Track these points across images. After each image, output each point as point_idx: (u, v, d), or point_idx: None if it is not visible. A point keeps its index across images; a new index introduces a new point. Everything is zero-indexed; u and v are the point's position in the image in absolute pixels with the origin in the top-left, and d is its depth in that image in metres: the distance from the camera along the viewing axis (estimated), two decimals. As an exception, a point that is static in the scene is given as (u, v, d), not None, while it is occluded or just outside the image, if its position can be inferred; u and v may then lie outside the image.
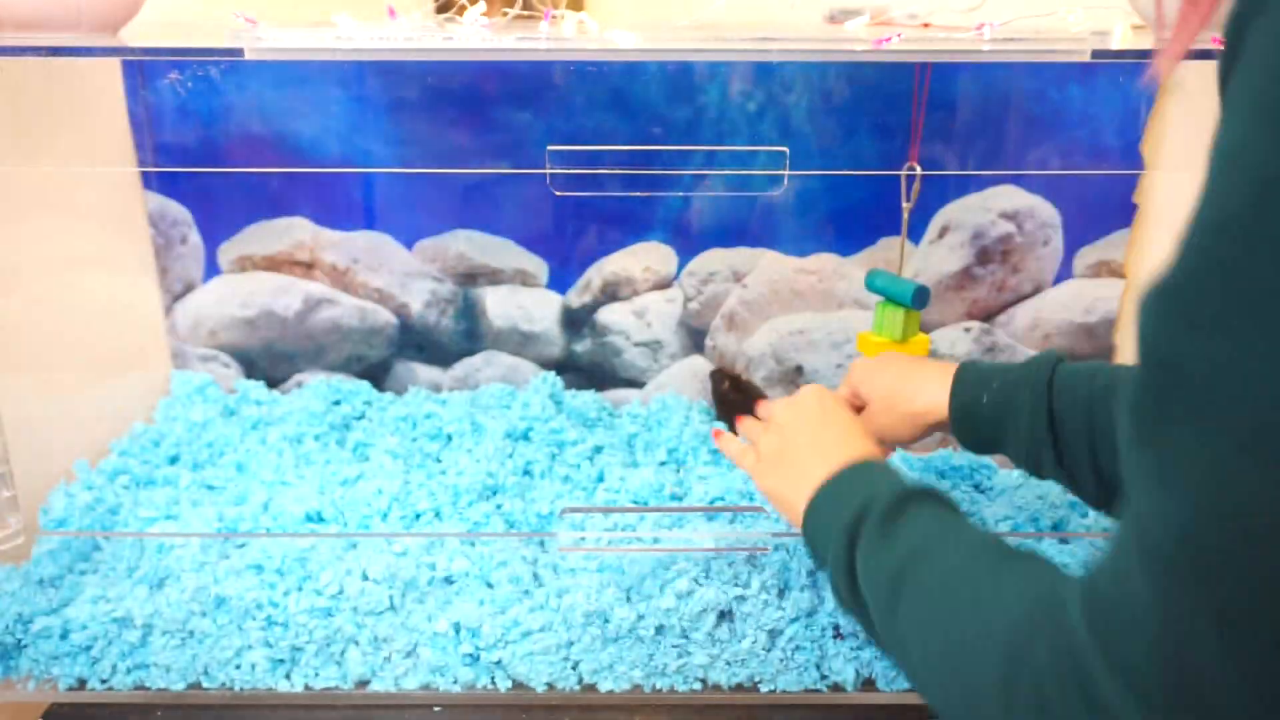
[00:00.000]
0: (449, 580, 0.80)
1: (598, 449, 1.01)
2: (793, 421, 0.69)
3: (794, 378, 1.15)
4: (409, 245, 1.10)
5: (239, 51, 0.71)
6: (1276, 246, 0.29)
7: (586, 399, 1.12)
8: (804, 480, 0.62)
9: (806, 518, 0.61)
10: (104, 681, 0.78)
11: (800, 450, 0.66)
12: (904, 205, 0.95)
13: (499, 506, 0.89)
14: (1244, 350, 0.30)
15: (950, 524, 0.54)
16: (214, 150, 1.06)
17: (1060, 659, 0.38)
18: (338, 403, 1.10)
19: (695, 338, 1.14)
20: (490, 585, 0.80)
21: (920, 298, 0.89)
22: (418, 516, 0.88)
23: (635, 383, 1.15)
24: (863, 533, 0.55)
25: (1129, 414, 0.34)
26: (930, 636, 0.47)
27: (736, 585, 0.78)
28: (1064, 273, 1.11)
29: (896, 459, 1.00)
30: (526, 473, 0.96)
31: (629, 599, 0.78)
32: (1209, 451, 0.31)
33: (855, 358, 0.88)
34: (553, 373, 1.13)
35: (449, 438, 1.03)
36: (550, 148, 0.90)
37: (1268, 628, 0.31)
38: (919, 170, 0.94)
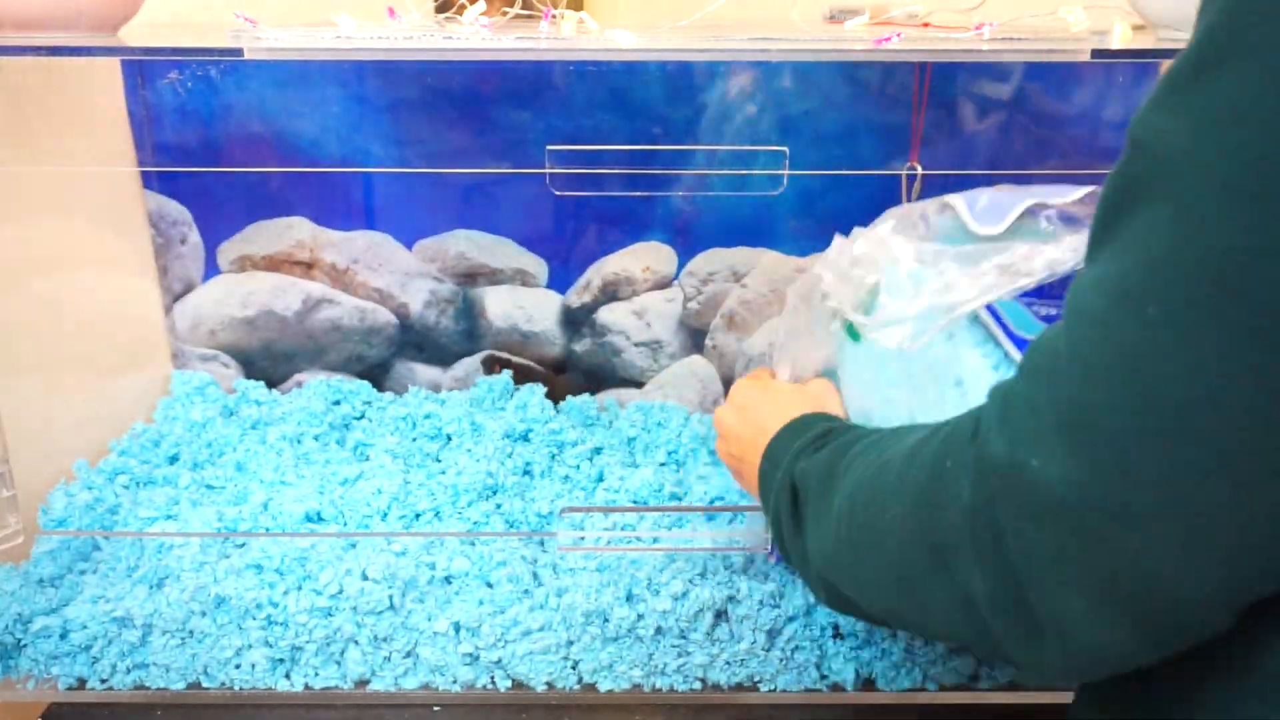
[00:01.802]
0: (448, 580, 0.80)
1: (597, 449, 1.01)
2: (743, 391, 0.72)
3: (794, 378, 1.15)
4: (409, 245, 1.11)
5: (239, 51, 0.71)
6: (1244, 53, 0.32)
7: (586, 399, 1.12)
8: (760, 438, 0.65)
9: (761, 464, 0.64)
10: (104, 681, 0.78)
11: (759, 415, 0.68)
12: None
13: (499, 506, 0.90)
14: (1200, 131, 0.33)
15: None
16: (214, 150, 1.06)
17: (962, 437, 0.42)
18: (338, 403, 1.10)
19: (695, 338, 1.14)
20: (490, 585, 0.80)
21: None
22: (418, 516, 0.88)
23: (635, 383, 1.15)
24: (803, 454, 0.58)
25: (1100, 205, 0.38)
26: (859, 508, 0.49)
27: (735, 585, 0.78)
28: (1064, 273, 1.11)
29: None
30: (526, 473, 0.96)
31: (628, 599, 0.78)
32: (1160, 221, 0.34)
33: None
34: (541, 385, 1.12)
35: (448, 438, 1.03)
36: (550, 147, 0.90)
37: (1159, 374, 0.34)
38: (919, 170, 0.94)
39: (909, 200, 0.95)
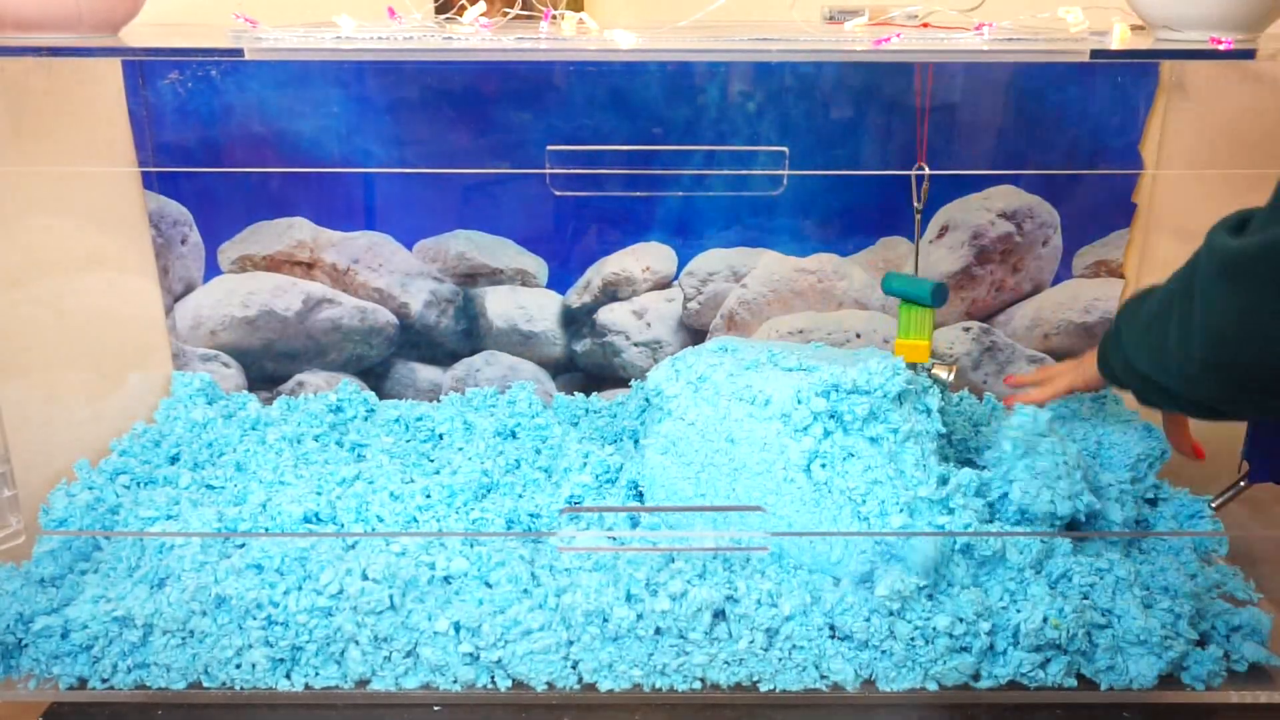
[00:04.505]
0: (448, 580, 0.80)
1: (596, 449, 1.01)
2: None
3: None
4: (409, 245, 1.11)
5: (239, 51, 0.71)
6: None
7: (579, 397, 1.12)
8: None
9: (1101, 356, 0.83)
10: (105, 681, 0.78)
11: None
12: (915, 206, 0.95)
13: (497, 506, 0.90)
14: None
15: None
16: (214, 150, 1.06)
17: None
18: (337, 404, 1.10)
19: (695, 338, 1.14)
20: (489, 585, 0.80)
21: (939, 295, 0.90)
22: (415, 518, 0.88)
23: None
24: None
25: None
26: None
27: (734, 584, 0.79)
28: (1063, 273, 1.11)
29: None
30: (524, 473, 0.96)
31: (628, 598, 0.78)
32: None
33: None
34: (532, 383, 1.13)
35: (440, 437, 1.03)
36: (550, 148, 0.91)
37: None
38: (927, 170, 0.94)
39: (917, 200, 0.95)
